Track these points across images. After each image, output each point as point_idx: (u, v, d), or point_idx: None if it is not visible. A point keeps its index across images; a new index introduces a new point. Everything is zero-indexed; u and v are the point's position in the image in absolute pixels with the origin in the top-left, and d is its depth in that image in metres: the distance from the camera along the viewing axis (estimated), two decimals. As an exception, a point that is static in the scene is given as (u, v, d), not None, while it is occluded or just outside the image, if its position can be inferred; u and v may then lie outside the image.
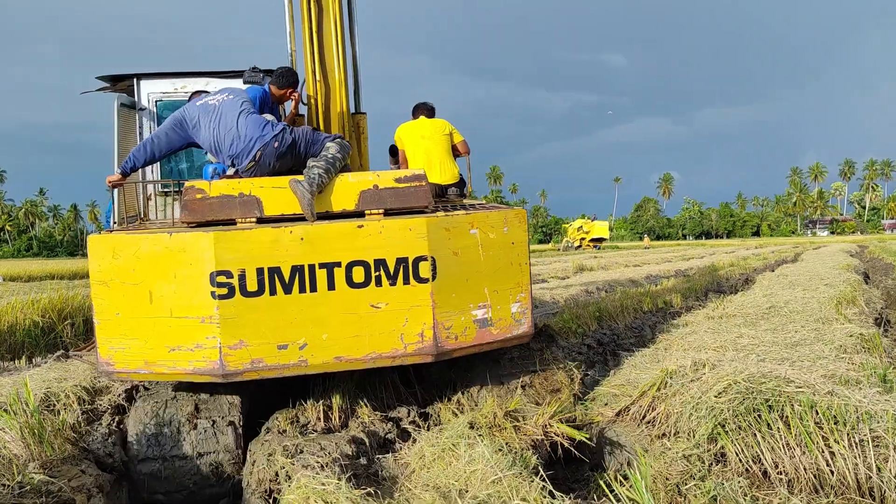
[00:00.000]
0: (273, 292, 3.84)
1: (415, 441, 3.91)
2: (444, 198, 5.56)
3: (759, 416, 3.55)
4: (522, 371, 4.84)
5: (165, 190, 5.96)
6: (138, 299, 3.85)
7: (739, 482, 3.19)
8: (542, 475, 3.19)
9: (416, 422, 4.35)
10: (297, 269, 3.86)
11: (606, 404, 4.70)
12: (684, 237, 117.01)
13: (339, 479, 3.10)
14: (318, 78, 5.17)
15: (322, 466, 3.39)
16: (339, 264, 3.91)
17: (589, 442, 3.89)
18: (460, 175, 5.99)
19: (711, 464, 3.48)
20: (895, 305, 10.54)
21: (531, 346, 4.98)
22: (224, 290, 3.78)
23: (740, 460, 3.45)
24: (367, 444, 3.87)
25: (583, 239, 57.56)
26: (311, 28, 5.09)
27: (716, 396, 3.77)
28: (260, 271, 3.82)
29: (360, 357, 3.95)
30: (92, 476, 3.62)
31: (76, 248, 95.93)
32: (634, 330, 8.75)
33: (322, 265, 3.89)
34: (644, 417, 4.25)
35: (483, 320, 4.17)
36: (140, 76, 5.95)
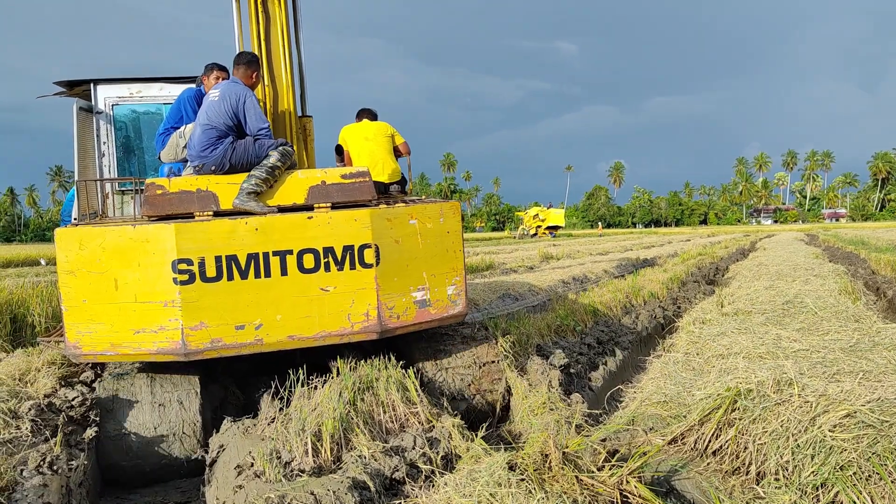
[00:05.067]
0: (231, 278, 4.24)
1: (430, 481, 3.31)
2: (387, 194, 6.01)
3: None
4: None
5: (122, 188, 6.27)
6: (104, 287, 4.20)
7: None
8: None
9: (427, 454, 3.60)
10: (252, 257, 4.27)
11: (652, 428, 3.99)
12: (634, 225, 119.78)
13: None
14: (266, 83, 5.55)
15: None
16: (290, 252, 4.32)
17: None
18: (401, 174, 6.48)
19: None
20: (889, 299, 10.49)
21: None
22: (185, 277, 4.16)
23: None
24: (372, 488, 3.21)
25: (539, 227, 58.77)
26: (258, 35, 5.46)
27: (830, 430, 3.06)
28: (218, 259, 4.21)
29: (311, 335, 4.38)
30: None
31: (13, 233, 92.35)
32: (629, 326, 8.39)
33: (275, 253, 4.30)
34: (707, 448, 3.58)
35: (422, 301, 4.64)
36: (97, 81, 6.27)
